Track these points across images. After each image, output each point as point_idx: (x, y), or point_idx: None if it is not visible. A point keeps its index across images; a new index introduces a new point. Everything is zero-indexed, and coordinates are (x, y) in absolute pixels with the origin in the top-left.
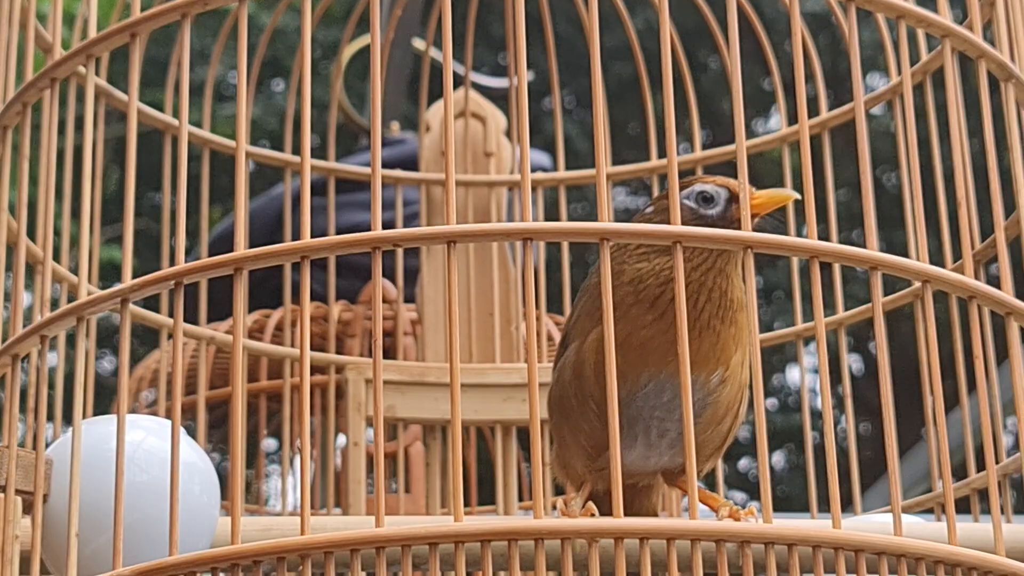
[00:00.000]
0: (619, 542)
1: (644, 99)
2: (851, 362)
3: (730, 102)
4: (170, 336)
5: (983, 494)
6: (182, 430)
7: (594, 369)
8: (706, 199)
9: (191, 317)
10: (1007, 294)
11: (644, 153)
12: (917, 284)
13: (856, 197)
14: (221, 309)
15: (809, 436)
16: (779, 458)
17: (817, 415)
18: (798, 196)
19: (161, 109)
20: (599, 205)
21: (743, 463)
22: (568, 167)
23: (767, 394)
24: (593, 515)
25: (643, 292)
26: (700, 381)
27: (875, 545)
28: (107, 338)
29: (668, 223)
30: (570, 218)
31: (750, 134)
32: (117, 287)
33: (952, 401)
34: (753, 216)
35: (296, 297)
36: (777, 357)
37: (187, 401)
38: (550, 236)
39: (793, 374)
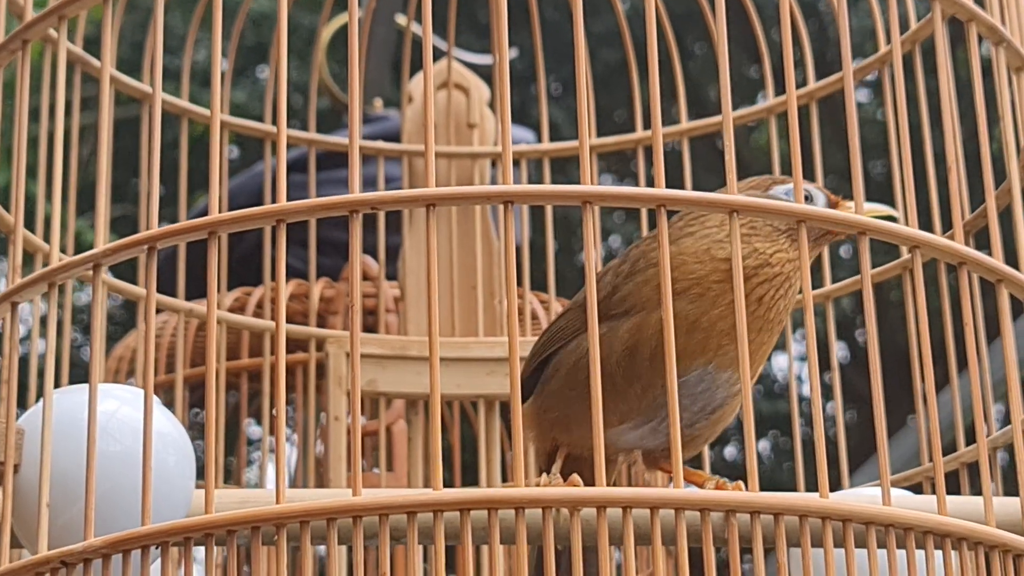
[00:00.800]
0: (602, 511)
1: (630, 72)
2: (837, 349)
3: (717, 89)
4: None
5: (972, 470)
6: (157, 400)
7: (653, 351)
8: (807, 198)
9: (172, 291)
10: (997, 260)
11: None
12: (906, 256)
13: (844, 182)
14: (203, 286)
15: (796, 412)
16: (765, 445)
17: (804, 401)
18: (895, 214)
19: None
20: (582, 167)
21: (729, 450)
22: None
23: (756, 382)
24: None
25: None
26: (734, 379)
27: (863, 515)
28: (81, 313)
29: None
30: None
31: (736, 120)
32: (89, 252)
33: (942, 384)
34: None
35: (276, 274)
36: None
37: (168, 379)
38: (531, 199)
39: (779, 360)
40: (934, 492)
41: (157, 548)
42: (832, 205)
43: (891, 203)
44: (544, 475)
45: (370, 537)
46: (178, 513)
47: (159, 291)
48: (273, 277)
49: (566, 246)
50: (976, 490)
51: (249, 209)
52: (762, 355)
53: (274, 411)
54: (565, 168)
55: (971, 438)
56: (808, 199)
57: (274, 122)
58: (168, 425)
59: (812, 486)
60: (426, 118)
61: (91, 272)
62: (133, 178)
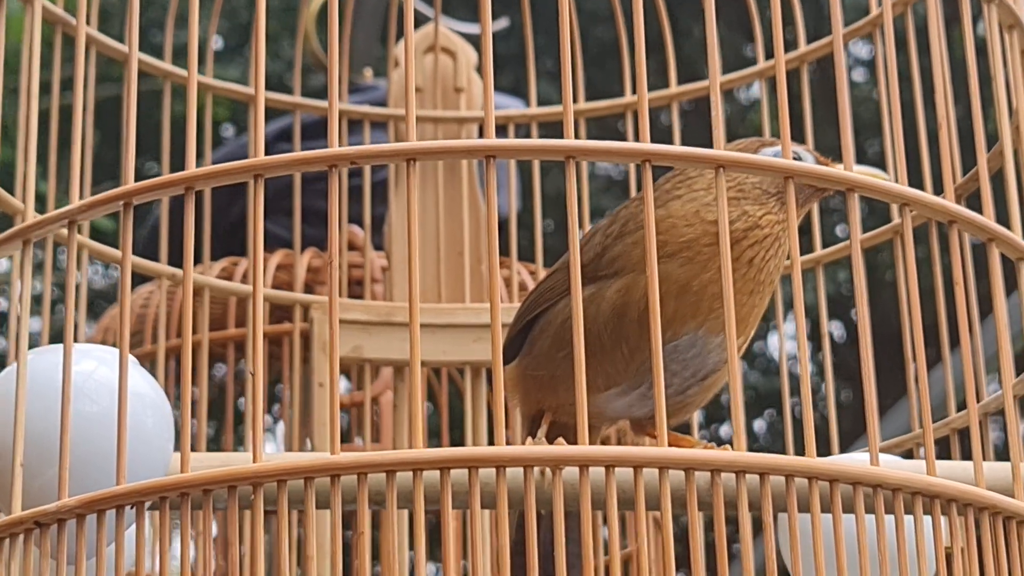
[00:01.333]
0: (584, 470)
1: (619, 35)
2: (832, 329)
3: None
4: (139, 275)
5: (964, 434)
6: (136, 361)
7: (641, 313)
8: (795, 158)
9: (154, 255)
10: (988, 219)
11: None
12: (897, 221)
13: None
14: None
15: (802, 364)
16: (761, 424)
17: (796, 378)
18: (887, 176)
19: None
20: (565, 122)
21: (725, 429)
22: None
23: (751, 359)
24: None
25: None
26: (726, 344)
27: (850, 475)
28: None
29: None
30: (542, 164)
31: (730, 99)
32: (64, 208)
33: (935, 362)
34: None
35: (265, 245)
36: (760, 324)
37: (155, 349)
38: (515, 154)
39: (774, 340)
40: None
41: (132, 509)
42: (820, 162)
43: (884, 170)
44: (530, 438)
45: (349, 500)
46: (156, 475)
47: (147, 258)
48: (271, 248)
49: (561, 224)
50: (968, 457)
51: (227, 164)
52: (754, 318)
53: (251, 371)
54: (554, 136)
55: (963, 406)
56: (796, 159)
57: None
58: (146, 386)
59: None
60: (407, 76)
61: (66, 230)
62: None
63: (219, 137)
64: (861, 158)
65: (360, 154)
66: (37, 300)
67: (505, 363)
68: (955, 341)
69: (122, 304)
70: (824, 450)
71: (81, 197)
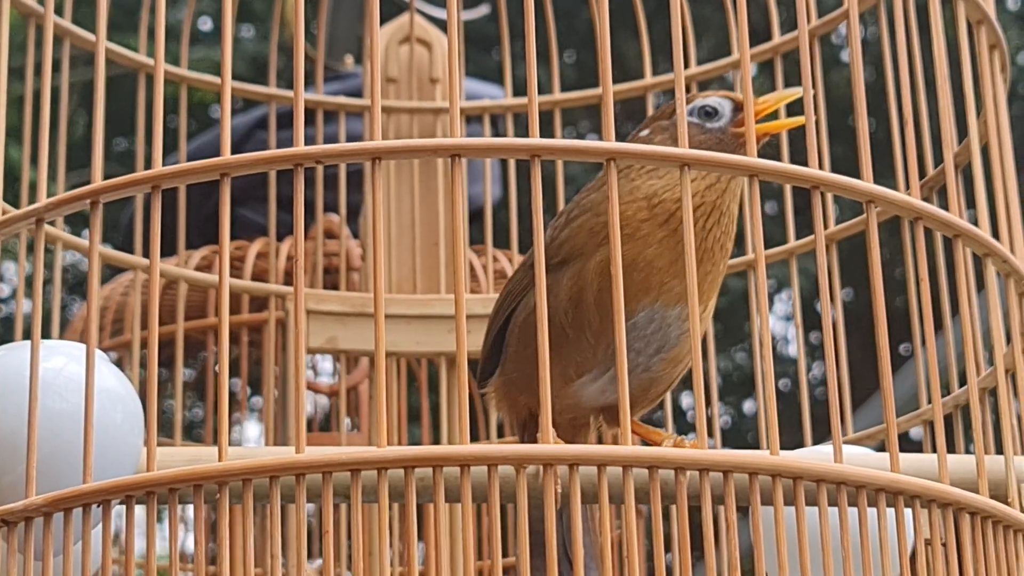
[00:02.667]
0: (548, 468)
1: (594, 26)
2: (817, 308)
3: (697, 48)
4: (112, 267)
5: (934, 426)
6: (106, 358)
7: (596, 296)
8: (708, 113)
9: (129, 247)
10: (955, 215)
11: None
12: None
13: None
14: (169, 244)
15: (765, 361)
16: (750, 406)
17: (782, 362)
18: (800, 92)
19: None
20: (531, 120)
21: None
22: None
23: (736, 342)
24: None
25: (657, 207)
26: (685, 314)
27: (814, 472)
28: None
29: (668, 143)
30: None
31: (702, 74)
32: (31, 206)
33: (905, 359)
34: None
35: (244, 233)
36: (748, 306)
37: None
38: (480, 153)
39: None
40: (904, 448)
41: (99, 507)
42: (738, 106)
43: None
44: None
45: (314, 496)
46: (125, 472)
47: (128, 249)
48: (251, 236)
49: (549, 208)
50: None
51: (193, 163)
52: (710, 285)
53: (217, 368)
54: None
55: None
56: (713, 114)
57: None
58: (115, 382)
59: (785, 445)
60: (372, 69)
61: (34, 227)
62: (114, 137)
63: (208, 119)
64: (845, 137)
65: (325, 153)
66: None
67: (487, 377)
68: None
69: (89, 302)
70: (798, 436)
71: (51, 186)
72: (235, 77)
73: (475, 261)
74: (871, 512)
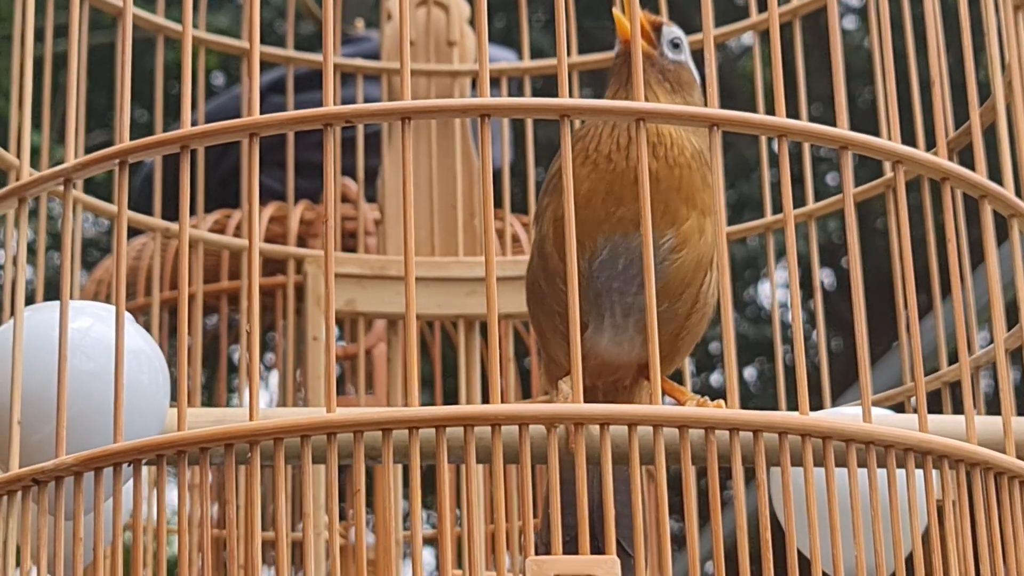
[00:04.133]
0: (579, 428)
1: None
2: (823, 276)
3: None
4: (133, 229)
5: (955, 388)
6: (131, 318)
7: (554, 243)
8: (676, 45)
9: (148, 209)
10: (981, 176)
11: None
12: (889, 175)
13: (829, 109)
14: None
15: (795, 321)
16: (751, 372)
17: (788, 327)
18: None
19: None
20: (560, 81)
21: (715, 376)
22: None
23: (741, 307)
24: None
25: (592, 148)
26: (659, 242)
27: (843, 432)
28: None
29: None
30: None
31: (720, 48)
32: (60, 166)
33: (926, 310)
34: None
35: (260, 198)
36: (750, 271)
37: (148, 302)
38: (509, 112)
39: (765, 288)
40: (916, 411)
41: (130, 466)
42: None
43: (875, 121)
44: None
45: (345, 455)
46: (152, 431)
47: (139, 212)
48: (265, 200)
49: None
50: (959, 410)
51: (222, 122)
52: (666, 204)
53: (247, 328)
54: (547, 89)
55: (954, 361)
56: (677, 46)
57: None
58: (142, 343)
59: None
60: (401, 32)
61: (62, 188)
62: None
63: (209, 86)
64: (852, 107)
65: (355, 113)
66: (31, 250)
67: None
68: (947, 290)
69: (117, 263)
70: (815, 399)
71: (76, 151)
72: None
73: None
74: (899, 473)
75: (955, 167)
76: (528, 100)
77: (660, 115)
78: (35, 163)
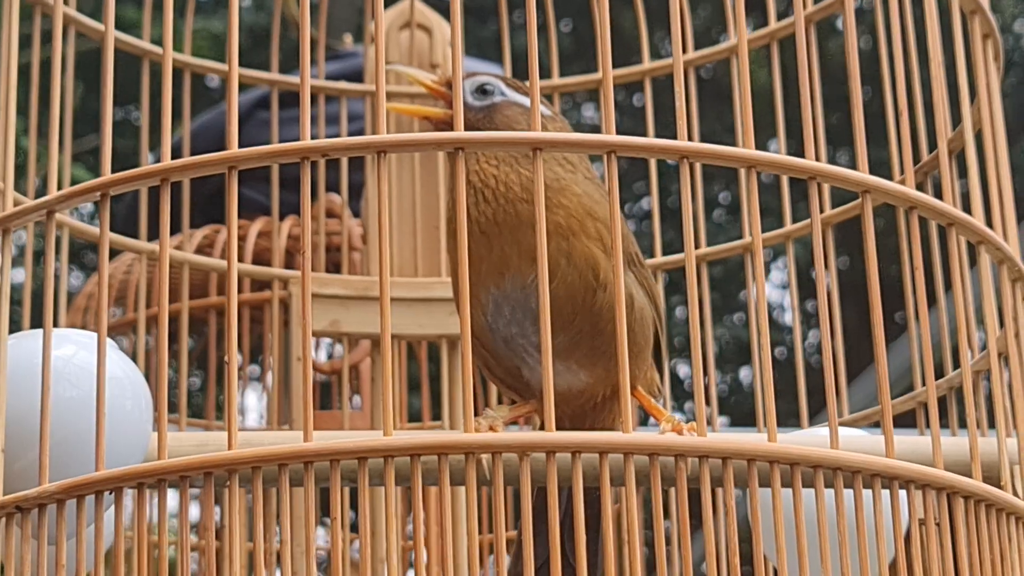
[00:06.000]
0: (551, 456)
1: (592, 8)
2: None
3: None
4: (115, 250)
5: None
6: (113, 345)
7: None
8: (485, 91)
9: (134, 231)
10: (949, 204)
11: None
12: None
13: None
14: (171, 224)
15: (763, 350)
16: (746, 373)
17: (779, 330)
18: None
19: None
20: (532, 113)
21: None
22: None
23: (733, 310)
24: (493, 430)
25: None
26: (518, 282)
27: (810, 458)
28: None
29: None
30: None
31: (698, 59)
32: (42, 198)
33: (902, 327)
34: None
35: (246, 212)
36: (742, 274)
37: (133, 319)
38: (483, 146)
39: (756, 290)
40: (898, 427)
41: (111, 494)
42: (516, 90)
43: (850, 144)
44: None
45: (322, 480)
46: (135, 457)
47: (126, 231)
48: (251, 215)
49: None
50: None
51: (201, 156)
52: (519, 252)
53: (226, 359)
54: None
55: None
56: (487, 91)
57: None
58: (124, 370)
59: (781, 413)
60: (376, 63)
61: (45, 218)
62: (116, 107)
63: (206, 89)
64: (839, 108)
65: (332, 147)
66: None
67: None
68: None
69: (100, 293)
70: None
71: (61, 152)
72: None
73: None
74: (866, 494)
75: (923, 196)
76: (502, 134)
77: (632, 147)
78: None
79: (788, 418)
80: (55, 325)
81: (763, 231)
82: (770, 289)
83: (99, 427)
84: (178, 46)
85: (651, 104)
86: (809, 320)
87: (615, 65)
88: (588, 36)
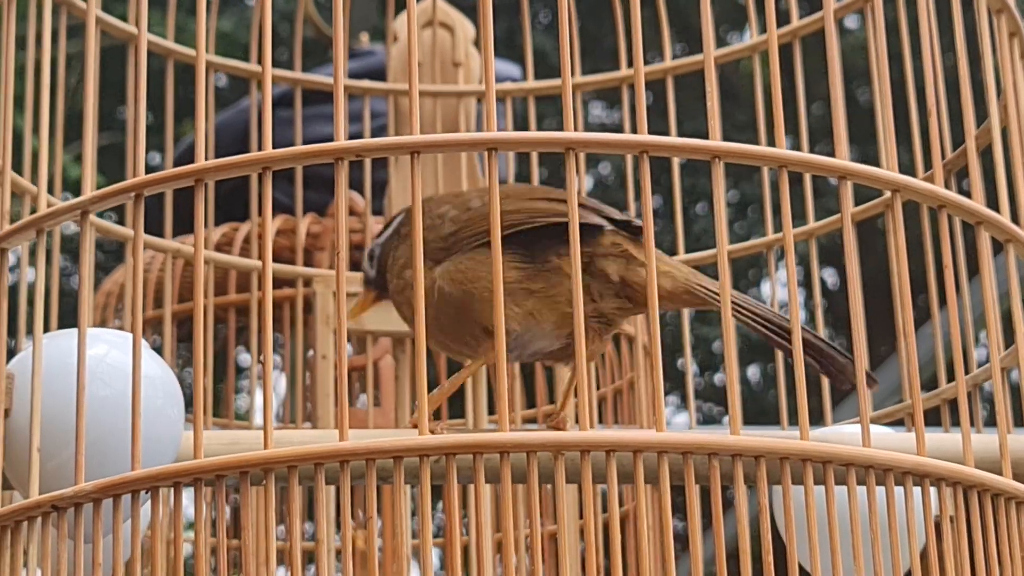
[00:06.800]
0: (585, 455)
1: (614, 6)
2: (825, 276)
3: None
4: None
5: (954, 405)
6: (145, 344)
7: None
8: (371, 257)
9: (158, 230)
10: (977, 203)
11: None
12: (888, 194)
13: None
14: (189, 222)
15: (795, 347)
16: (754, 371)
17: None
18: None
19: (125, 21)
20: (565, 114)
21: (719, 376)
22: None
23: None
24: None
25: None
26: None
27: (842, 456)
28: (75, 252)
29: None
30: (538, 124)
31: (719, 58)
32: (77, 199)
33: (924, 316)
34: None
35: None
36: (753, 271)
37: (157, 315)
38: (516, 147)
39: (767, 288)
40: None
41: (147, 493)
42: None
43: (873, 141)
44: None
45: (357, 478)
46: (167, 455)
47: (147, 228)
48: (272, 213)
49: (555, 172)
50: (958, 425)
51: (235, 157)
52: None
53: (261, 358)
54: (555, 101)
55: (953, 373)
56: (371, 256)
57: (259, 61)
58: (157, 368)
59: (796, 415)
60: (410, 64)
61: (79, 219)
62: (120, 105)
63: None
64: (853, 107)
65: (366, 148)
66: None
67: None
68: (944, 297)
69: (134, 292)
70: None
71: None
72: (239, 46)
73: None
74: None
75: (951, 195)
76: (535, 134)
77: (664, 147)
78: (34, 169)
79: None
80: (73, 324)
81: (773, 230)
82: (778, 287)
83: (135, 426)
84: (191, 45)
85: (673, 103)
86: (813, 318)
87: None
88: (596, 34)
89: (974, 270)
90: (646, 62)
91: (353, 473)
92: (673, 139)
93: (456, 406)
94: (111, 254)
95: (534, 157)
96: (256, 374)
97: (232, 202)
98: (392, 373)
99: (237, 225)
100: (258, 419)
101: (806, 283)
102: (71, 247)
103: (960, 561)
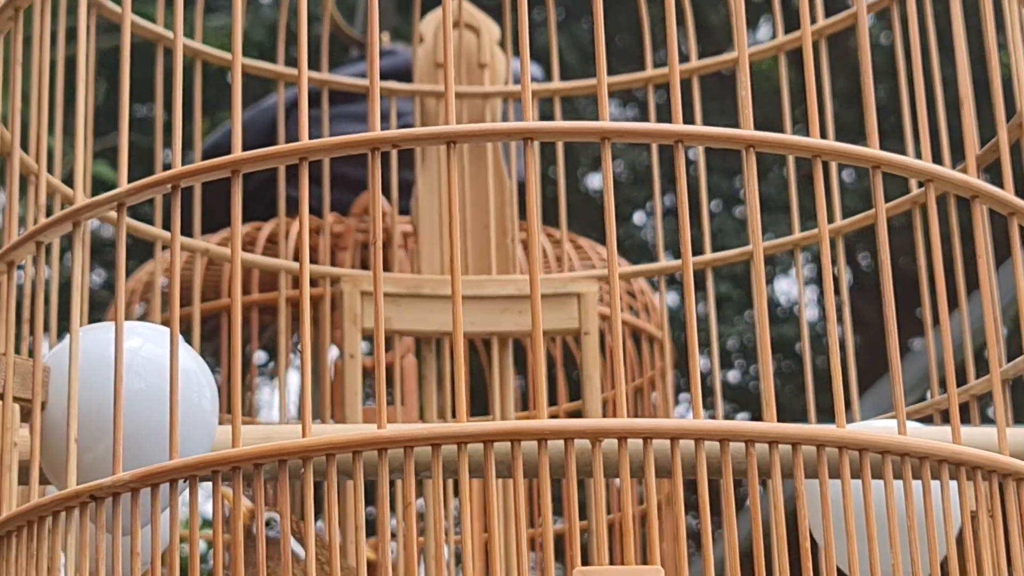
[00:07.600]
0: (623, 442)
1: (640, 9)
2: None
3: (720, 15)
4: (165, 246)
5: (982, 402)
6: (180, 337)
7: None
8: (268, 524)
9: (184, 229)
10: (1009, 194)
11: (632, 65)
12: (917, 191)
13: (848, 108)
14: (211, 221)
15: (807, 344)
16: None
17: (809, 325)
18: None
19: (152, 21)
20: (600, 104)
21: (733, 374)
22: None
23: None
24: None
25: None
26: None
27: (879, 444)
28: (97, 252)
29: None
30: None
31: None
32: (113, 191)
33: (950, 307)
34: None
35: (288, 209)
36: (768, 268)
37: (185, 313)
38: (551, 136)
39: (782, 284)
40: (945, 423)
41: (185, 482)
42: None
43: (893, 140)
44: None
45: (395, 469)
46: (202, 447)
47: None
48: (295, 214)
49: (570, 171)
50: (986, 421)
51: (272, 147)
52: None
53: (299, 348)
54: (573, 102)
55: (980, 366)
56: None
57: (287, 62)
58: (191, 362)
59: (819, 413)
60: (445, 53)
61: (115, 212)
62: (139, 104)
63: (226, 84)
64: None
65: (401, 138)
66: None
67: None
68: (971, 286)
69: (171, 285)
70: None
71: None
72: (255, 45)
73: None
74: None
75: (985, 185)
76: (570, 124)
77: (698, 137)
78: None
79: (825, 413)
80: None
81: (806, 228)
82: (788, 285)
83: (172, 416)
84: (210, 43)
85: (699, 102)
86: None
87: (632, 63)
88: (608, 33)
89: (1002, 254)
90: (656, 63)
91: (391, 464)
92: (707, 128)
93: (479, 404)
94: (129, 251)
95: (560, 148)
96: (282, 368)
97: (254, 203)
98: (415, 372)
99: (260, 224)
100: (284, 416)
101: (817, 281)
102: (91, 248)
103: (997, 549)
